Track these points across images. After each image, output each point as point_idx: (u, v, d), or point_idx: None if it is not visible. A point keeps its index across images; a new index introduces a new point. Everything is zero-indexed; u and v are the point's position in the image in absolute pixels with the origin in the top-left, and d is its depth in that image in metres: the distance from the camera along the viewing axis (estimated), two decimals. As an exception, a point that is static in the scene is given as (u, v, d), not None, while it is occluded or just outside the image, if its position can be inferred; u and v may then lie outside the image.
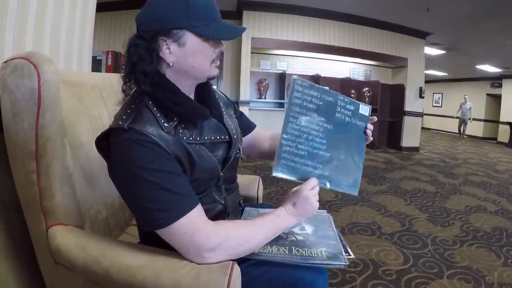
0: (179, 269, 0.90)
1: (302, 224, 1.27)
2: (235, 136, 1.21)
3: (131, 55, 0.97)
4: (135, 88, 1.03)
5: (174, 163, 0.96)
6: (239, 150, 1.26)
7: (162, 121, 0.98)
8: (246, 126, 1.48)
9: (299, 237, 1.17)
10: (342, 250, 1.10)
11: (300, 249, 1.08)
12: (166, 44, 0.98)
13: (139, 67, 0.96)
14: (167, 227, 0.90)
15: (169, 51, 0.99)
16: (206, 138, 1.08)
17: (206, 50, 1.03)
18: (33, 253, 1.21)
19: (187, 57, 1.01)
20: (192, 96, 1.13)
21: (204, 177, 1.07)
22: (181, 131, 1.01)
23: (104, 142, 0.99)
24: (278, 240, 1.12)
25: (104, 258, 0.98)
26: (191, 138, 1.03)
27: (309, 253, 1.07)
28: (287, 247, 1.09)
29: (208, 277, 0.88)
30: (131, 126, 0.93)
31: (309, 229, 1.24)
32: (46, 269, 1.18)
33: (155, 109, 0.99)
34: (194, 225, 0.92)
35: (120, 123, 0.94)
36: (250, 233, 1.01)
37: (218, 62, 1.08)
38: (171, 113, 1.00)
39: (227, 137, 1.17)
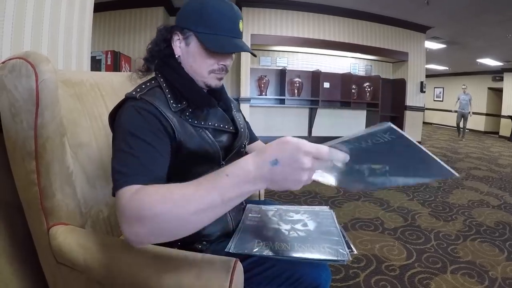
0: (181, 267, 0.90)
1: (304, 220, 1.27)
2: (242, 130, 1.26)
3: (155, 39, 1.15)
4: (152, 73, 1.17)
5: (160, 138, 0.97)
6: (244, 145, 1.28)
7: (171, 101, 1.06)
8: (251, 136, 1.50)
9: (301, 233, 1.16)
10: (345, 246, 1.09)
11: (302, 245, 1.07)
12: (179, 39, 1.11)
13: (156, 48, 1.14)
14: (117, 192, 0.81)
15: (179, 45, 1.11)
16: (210, 123, 1.13)
17: (206, 58, 1.09)
18: (35, 253, 1.21)
19: (189, 57, 1.11)
20: (205, 90, 1.18)
21: (204, 155, 1.10)
22: (187, 114, 1.08)
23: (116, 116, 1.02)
24: (279, 236, 1.12)
25: (106, 257, 0.97)
26: (195, 122, 1.09)
27: (311, 249, 1.06)
28: (289, 243, 1.08)
29: (210, 274, 0.87)
30: (143, 96, 1.01)
31: (311, 226, 1.23)
32: (48, 269, 1.17)
33: (167, 90, 1.08)
34: (128, 195, 0.78)
35: (134, 93, 1.02)
36: (169, 201, 0.72)
37: (221, 75, 1.14)
38: (180, 96, 1.09)
39: (232, 128, 1.21)
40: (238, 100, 7.27)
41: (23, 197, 1.14)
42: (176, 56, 1.12)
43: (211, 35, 1.05)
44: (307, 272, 1.04)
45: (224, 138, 1.18)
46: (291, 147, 0.71)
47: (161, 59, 1.15)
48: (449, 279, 2.40)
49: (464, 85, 12.21)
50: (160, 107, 1.00)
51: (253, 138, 1.52)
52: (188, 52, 1.10)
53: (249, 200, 1.47)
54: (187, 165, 1.07)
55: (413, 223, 3.52)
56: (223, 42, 1.05)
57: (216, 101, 1.17)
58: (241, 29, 1.12)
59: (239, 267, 0.91)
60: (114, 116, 1.02)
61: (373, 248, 2.86)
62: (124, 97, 1.04)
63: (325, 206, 1.41)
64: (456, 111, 12.24)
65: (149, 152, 0.92)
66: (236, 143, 1.21)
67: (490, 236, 3.26)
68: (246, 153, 1.28)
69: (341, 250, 1.05)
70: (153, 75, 1.17)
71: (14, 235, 1.29)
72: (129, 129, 0.92)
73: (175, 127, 1.02)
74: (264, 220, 1.27)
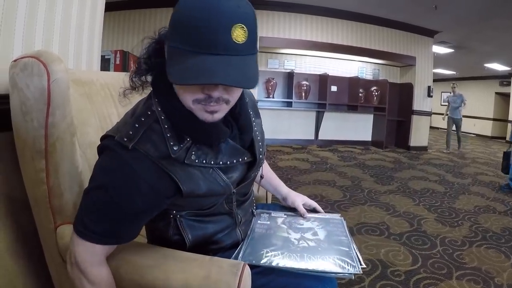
0: (189, 269, 0.90)
1: (314, 229, 1.25)
2: (260, 155, 1.10)
3: (147, 48, 0.92)
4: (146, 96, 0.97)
5: (146, 201, 0.88)
6: (261, 166, 1.21)
7: (172, 143, 0.88)
8: None
9: (311, 243, 1.14)
10: (354, 258, 1.07)
11: (312, 256, 1.05)
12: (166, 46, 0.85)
13: (148, 62, 0.92)
14: (77, 237, 0.88)
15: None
16: (221, 162, 0.96)
17: (181, 87, 0.84)
18: (41, 251, 1.21)
19: None
20: None
21: (213, 195, 0.99)
22: (193, 153, 0.90)
23: None
24: (289, 247, 1.10)
25: (113, 257, 0.97)
26: (204, 161, 0.92)
27: (320, 261, 1.04)
28: (298, 254, 1.06)
29: (218, 277, 0.87)
30: (136, 146, 0.85)
31: (321, 234, 1.21)
32: (54, 267, 1.18)
33: (166, 126, 0.88)
34: (88, 251, 0.88)
35: (125, 139, 0.85)
36: None
37: (212, 107, 0.82)
38: (182, 132, 0.89)
39: (248, 157, 1.04)
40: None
41: (31, 195, 1.14)
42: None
43: (179, 50, 0.76)
44: (312, 284, 1.02)
45: (237, 172, 1.03)
46: None
47: (157, 71, 0.91)
48: (455, 285, 2.38)
49: (453, 83, 10.02)
50: (156, 160, 0.86)
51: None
52: None
53: (257, 204, 1.46)
54: (191, 202, 0.99)
55: (419, 228, 3.50)
56: (189, 64, 0.73)
57: (227, 129, 0.95)
58: (236, 39, 0.73)
59: (247, 270, 0.91)
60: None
61: (379, 253, 2.85)
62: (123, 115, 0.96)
63: (337, 214, 1.39)
64: (447, 115, 9.88)
65: (125, 214, 0.88)
66: (250, 173, 1.08)
67: (496, 242, 3.23)
68: (262, 176, 1.37)
69: (350, 264, 1.03)
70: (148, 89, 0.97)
71: (20, 232, 1.29)
72: (111, 181, 0.85)
73: (179, 180, 0.89)
74: (273, 227, 1.25)
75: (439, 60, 11.23)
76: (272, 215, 1.35)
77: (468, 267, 2.68)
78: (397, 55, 8.69)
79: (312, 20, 7.90)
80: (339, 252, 1.09)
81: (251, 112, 1.11)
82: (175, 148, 0.87)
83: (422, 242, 3.14)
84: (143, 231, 1.48)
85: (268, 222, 1.29)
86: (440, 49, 10.01)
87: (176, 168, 0.88)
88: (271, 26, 7.67)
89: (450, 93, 9.74)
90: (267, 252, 1.07)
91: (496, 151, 10.51)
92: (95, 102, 1.40)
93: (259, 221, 1.29)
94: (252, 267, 0.99)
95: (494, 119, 14.84)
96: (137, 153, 0.85)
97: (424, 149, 9.39)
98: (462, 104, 9.31)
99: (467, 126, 15.59)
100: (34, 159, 1.07)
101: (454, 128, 9.63)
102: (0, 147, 1.21)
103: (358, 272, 1.01)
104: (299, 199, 1.39)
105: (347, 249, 1.11)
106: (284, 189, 1.47)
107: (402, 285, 2.35)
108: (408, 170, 6.52)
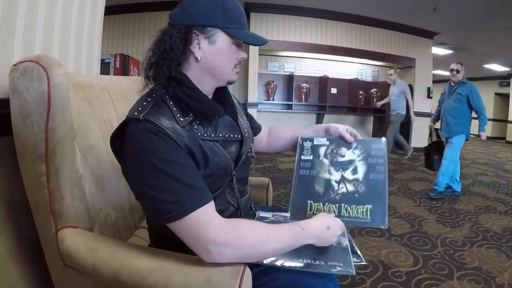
0: (190, 272, 0.90)
1: (355, 162, 1.30)
2: (246, 134, 1.21)
3: (165, 42, 1.01)
4: (152, 82, 1.07)
5: (187, 157, 0.96)
6: (251, 149, 1.27)
7: (178, 115, 1.00)
8: (257, 126, 1.53)
9: (350, 187, 1.24)
10: (351, 256, 1.09)
11: (348, 208, 1.20)
12: (198, 39, 1.02)
13: (171, 54, 1.00)
14: (178, 221, 0.89)
15: (199, 47, 1.03)
16: (220, 135, 1.09)
17: (232, 53, 1.08)
18: (42, 255, 1.21)
19: (215, 55, 1.05)
20: (210, 96, 1.14)
21: (218, 173, 1.07)
22: (195, 127, 1.03)
23: (118, 141, 1.00)
24: (329, 194, 1.23)
25: (114, 261, 0.97)
26: (205, 135, 1.04)
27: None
28: (337, 205, 1.20)
29: (219, 279, 0.87)
30: (146, 117, 0.94)
31: (360, 172, 1.27)
32: (56, 272, 1.18)
33: (171, 103, 1.01)
34: (203, 219, 0.90)
35: (136, 113, 0.95)
36: (265, 238, 0.94)
37: (239, 68, 1.12)
38: (187, 108, 1.02)
39: (239, 135, 1.17)
40: (245, 105, 7.26)
41: (32, 199, 1.15)
42: (198, 58, 1.03)
43: (238, 30, 1.05)
44: (313, 283, 1.02)
45: (233, 148, 1.15)
46: (337, 222, 1.11)
47: (179, 65, 1.03)
48: (456, 286, 2.38)
49: (391, 68, 7.53)
50: (167, 129, 0.94)
51: (258, 129, 1.54)
52: (214, 50, 1.04)
53: (257, 206, 1.47)
54: None
55: (420, 229, 3.50)
56: (247, 35, 1.08)
57: (223, 108, 1.13)
58: None
59: (248, 272, 0.90)
60: (118, 140, 1.01)
61: (380, 254, 2.85)
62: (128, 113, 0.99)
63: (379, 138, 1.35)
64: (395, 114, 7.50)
65: (187, 171, 0.93)
66: (243, 151, 1.18)
67: (497, 242, 3.23)
68: (253, 157, 1.30)
69: (348, 262, 1.06)
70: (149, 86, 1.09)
71: (21, 236, 1.30)
72: (157, 155, 0.90)
73: (191, 148, 0.98)
74: (316, 165, 1.31)
75: (438, 62, 11.22)
76: (314, 143, 1.36)
77: (469, 267, 2.67)
78: (396, 56, 8.67)
79: (311, 23, 7.90)
80: (339, 250, 1.11)
81: (236, 107, 1.26)
82: (181, 119, 1.00)
83: (423, 243, 3.13)
84: (145, 234, 1.48)
85: (311, 157, 1.33)
86: (439, 51, 10.01)
87: (183, 137, 0.97)
88: (271, 29, 7.67)
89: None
90: (311, 205, 1.23)
91: (496, 152, 10.51)
92: (95, 105, 1.40)
93: (302, 156, 1.34)
94: (253, 266, 0.99)
95: (493, 120, 14.81)
96: (151, 123, 0.93)
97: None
98: (403, 96, 7.29)
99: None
100: (35, 163, 1.07)
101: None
102: (0, 151, 1.21)
103: (361, 265, 1.05)
104: (342, 127, 1.38)
105: (346, 249, 1.12)
106: (317, 126, 1.49)
107: (403, 286, 2.34)
108: (409, 171, 6.52)
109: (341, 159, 1.30)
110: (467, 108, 4.67)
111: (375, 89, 8.84)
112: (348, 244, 1.16)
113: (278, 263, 1.02)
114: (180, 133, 0.96)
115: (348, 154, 1.31)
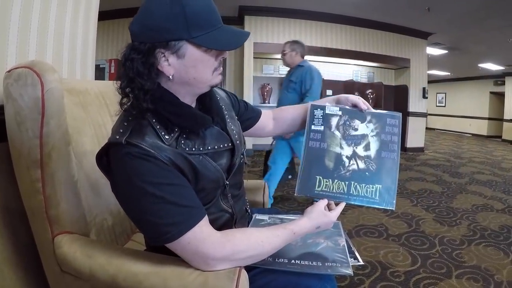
0: (187, 276, 0.90)
1: (368, 137, 1.23)
2: (237, 142, 1.15)
3: (128, 69, 0.89)
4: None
5: (177, 174, 0.92)
6: (243, 155, 1.22)
7: (163, 133, 0.94)
8: (255, 115, 1.46)
9: (361, 164, 1.18)
10: (349, 256, 1.10)
11: (358, 186, 1.15)
12: (164, 56, 0.91)
13: (137, 82, 0.89)
14: (175, 241, 0.89)
15: (168, 63, 0.92)
16: (209, 148, 1.03)
17: (207, 60, 0.95)
18: (39, 261, 1.20)
19: (188, 69, 0.94)
20: (193, 105, 1.07)
21: (209, 187, 1.04)
22: (183, 142, 0.97)
23: (104, 158, 0.96)
24: (340, 171, 1.16)
25: (111, 265, 0.97)
26: (193, 149, 0.99)
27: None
28: (346, 183, 1.15)
29: (215, 283, 0.87)
30: (129, 140, 0.89)
31: (373, 148, 1.21)
32: (53, 277, 1.17)
33: (154, 120, 0.95)
34: (200, 236, 0.90)
35: (118, 137, 0.90)
36: (260, 247, 0.97)
37: (221, 69, 1.02)
38: (171, 124, 0.96)
39: (229, 144, 1.11)
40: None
41: (28, 205, 1.14)
42: (169, 76, 0.94)
43: (207, 34, 0.91)
44: (311, 284, 1.02)
45: (224, 159, 1.10)
46: (328, 220, 1.09)
47: (147, 94, 0.91)
48: (454, 284, 2.38)
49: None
50: (152, 149, 0.89)
51: (257, 115, 1.48)
52: (185, 63, 0.92)
53: (254, 209, 1.46)
54: None
55: (417, 228, 3.51)
56: (219, 37, 0.93)
57: (210, 117, 1.06)
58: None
59: (244, 275, 0.91)
60: (104, 156, 0.96)
61: (378, 255, 2.85)
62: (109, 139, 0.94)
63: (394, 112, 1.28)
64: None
65: (178, 191, 0.91)
66: (235, 159, 1.14)
67: (494, 240, 3.24)
68: (245, 163, 1.28)
69: (345, 262, 1.07)
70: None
71: (17, 242, 1.29)
72: (146, 179, 0.87)
73: (179, 165, 0.94)
74: (327, 138, 1.21)
75: (433, 62, 11.27)
76: (326, 112, 1.26)
77: (467, 265, 2.68)
78: (391, 57, 8.70)
79: (306, 25, 7.92)
80: (335, 251, 1.13)
81: (223, 106, 1.21)
82: (167, 137, 0.95)
83: (421, 242, 3.14)
84: (142, 239, 1.48)
85: (322, 128, 1.24)
86: (434, 51, 10.04)
87: (170, 156, 0.93)
88: (265, 32, 7.69)
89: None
90: (320, 181, 1.15)
91: (492, 150, 10.53)
92: (89, 111, 1.40)
93: (313, 126, 1.25)
94: (251, 268, 1.00)
95: (489, 119, 14.87)
96: (133, 146, 0.89)
97: (420, 150, 9.40)
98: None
99: (463, 126, 15.65)
100: (30, 169, 1.07)
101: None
102: (-4, 158, 1.21)
103: (359, 266, 1.04)
104: (353, 96, 1.32)
105: (343, 249, 1.14)
106: (326, 98, 1.44)
107: (402, 286, 2.35)
108: (405, 172, 6.53)
109: (353, 133, 1.22)
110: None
111: (370, 90, 8.85)
112: (346, 245, 1.16)
113: (276, 265, 1.03)
114: (166, 151, 0.92)
115: (362, 128, 1.23)
